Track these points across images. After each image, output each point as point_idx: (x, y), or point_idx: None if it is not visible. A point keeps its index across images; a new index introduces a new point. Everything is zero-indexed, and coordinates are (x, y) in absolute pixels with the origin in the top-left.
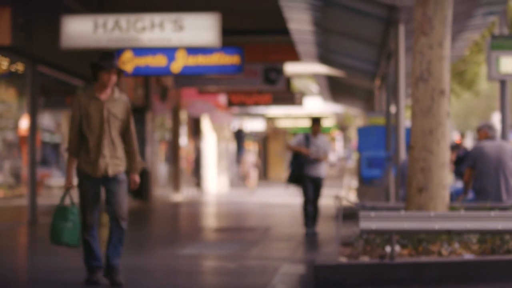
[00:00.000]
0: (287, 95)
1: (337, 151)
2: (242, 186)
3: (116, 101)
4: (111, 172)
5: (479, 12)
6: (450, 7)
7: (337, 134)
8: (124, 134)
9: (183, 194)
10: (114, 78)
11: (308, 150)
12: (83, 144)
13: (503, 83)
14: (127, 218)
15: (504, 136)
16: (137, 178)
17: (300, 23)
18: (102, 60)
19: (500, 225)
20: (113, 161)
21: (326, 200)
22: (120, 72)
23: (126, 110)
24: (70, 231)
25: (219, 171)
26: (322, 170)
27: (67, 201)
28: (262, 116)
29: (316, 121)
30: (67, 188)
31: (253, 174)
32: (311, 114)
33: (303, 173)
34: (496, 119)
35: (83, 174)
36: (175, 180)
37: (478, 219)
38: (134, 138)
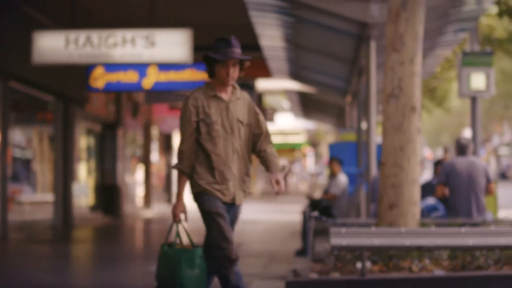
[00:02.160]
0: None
1: (308, 167)
2: None
3: (239, 101)
4: (239, 200)
5: (450, 29)
6: (421, 24)
7: (308, 150)
8: (256, 141)
9: (154, 210)
10: (234, 71)
11: None
12: (198, 158)
13: (474, 99)
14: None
15: (475, 152)
16: (279, 177)
17: (271, 39)
18: (216, 50)
19: (470, 241)
20: (242, 185)
21: (297, 217)
22: (243, 62)
23: (251, 112)
24: (199, 280)
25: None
26: None
27: (173, 236)
28: None
29: None
30: (178, 218)
31: None
32: (282, 130)
33: None
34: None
35: (206, 195)
36: (146, 196)
37: (448, 235)
38: (269, 142)
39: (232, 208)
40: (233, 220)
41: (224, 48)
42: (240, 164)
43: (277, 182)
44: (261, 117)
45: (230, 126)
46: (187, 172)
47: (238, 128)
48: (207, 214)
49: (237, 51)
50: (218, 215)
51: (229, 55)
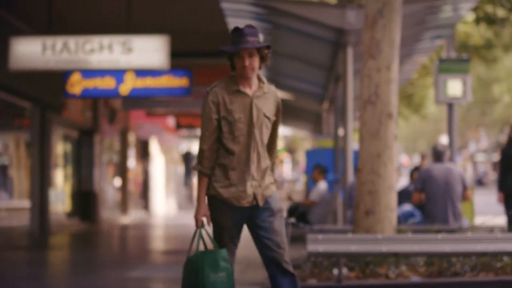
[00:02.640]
0: None
1: (286, 173)
2: (191, 208)
3: (266, 96)
4: (261, 201)
5: (427, 36)
6: (398, 31)
7: (286, 157)
8: (269, 143)
9: (131, 217)
10: (252, 62)
11: None
12: (218, 157)
13: (450, 106)
14: (290, 261)
15: (451, 159)
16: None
17: None
18: (232, 41)
19: (447, 247)
20: (261, 185)
21: None
22: (262, 51)
23: (277, 109)
24: (225, 285)
25: (167, 194)
26: None
27: (196, 241)
28: None
29: None
30: (201, 222)
31: None
32: None
33: None
34: (443, 142)
35: (219, 201)
36: (123, 202)
37: (425, 242)
38: (276, 148)
39: (259, 211)
40: (267, 225)
41: (237, 38)
42: (258, 163)
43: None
44: (280, 118)
45: (256, 123)
46: (207, 173)
47: (265, 125)
48: (214, 222)
49: (251, 39)
50: (223, 229)
51: (240, 45)
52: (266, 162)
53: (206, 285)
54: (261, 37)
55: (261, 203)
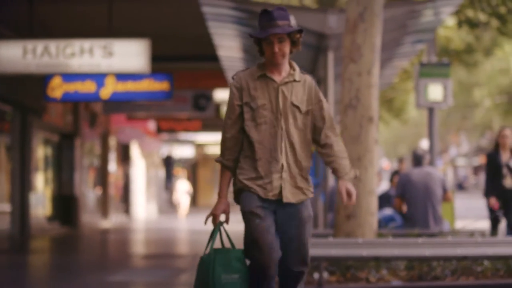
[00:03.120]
0: (217, 122)
1: None
2: (171, 213)
3: (297, 84)
4: (289, 196)
5: (408, 40)
6: (379, 35)
7: None
8: (318, 133)
9: (112, 221)
10: (282, 47)
11: None
12: (243, 150)
13: (431, 110)
14: (307, 263)
15: (432, 162)
16: (350, 187)
17: (229, 50)
18: (260, 25)
19: (427, 251)
20: (293, 180)
21: None
22: (293, 35)
23: (313, 97)
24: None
25: (148, 198)
26: None
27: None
28: (191, 142)
29: None
30: (218, 220)
31: (185, 201)
32: None
33: None
34: (424, 146)
35: (247, 194)
36: (103, 207)
37: (406, 246)
38: (336, 134)
39: (283, 208)
40: (289, 224)
41: (265, 22)
42: (292, 156)
43: (348, 194)
44: (325, 105)
45: (282, 112)
46: (229, 166)
47: (293, 114)
48: (243, 214)
49: (280, 23)
50: (252, 214)
51: (270, 30)
52: (305, 160)
53: (216, 287)
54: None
55: (286, 199)
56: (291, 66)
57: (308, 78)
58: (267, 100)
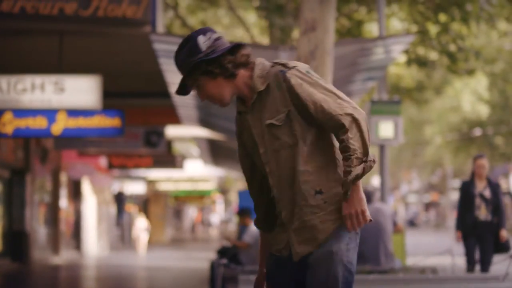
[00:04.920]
0: (168, 158)
1: (219, 214)
2: (123, 249)
3: (263, 99)
4: (297, 253)
5: (359, 78)
6: (330, 73)
7: (218, 197)
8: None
9: (63, 257)
10: (206, 92)
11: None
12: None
13: (382, 147)
14: None
15: (383, 199)
16: (354, 206)
17: None
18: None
19: None
20: (301, 231)
21: (206, 264)
22: (199, 70)
23: (291, 96)
24: None
25: (99, 234)
26: None
27: None
28: (143, 179)
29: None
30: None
31: (143, 238)
32: (192, 177)
33: None
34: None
35: (270, 258)
36: (54, 243)
37: (356, 283)
38: (343, 127)
39: (298, 266)
40: (313, 283)
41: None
42: (296, 188)
43: (349, 217)
44: (317, 96)
45: (261, 144)
46: (259, 227)
47: (273, 136)
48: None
49: (181, 71)
50: (267, 279)
51: (178, 69)
52: (308, 179)
53: None
54: (188, 53)
55: (295, 257)
56: (250, 73)
57: (271, 75)
58: (250, 139)
